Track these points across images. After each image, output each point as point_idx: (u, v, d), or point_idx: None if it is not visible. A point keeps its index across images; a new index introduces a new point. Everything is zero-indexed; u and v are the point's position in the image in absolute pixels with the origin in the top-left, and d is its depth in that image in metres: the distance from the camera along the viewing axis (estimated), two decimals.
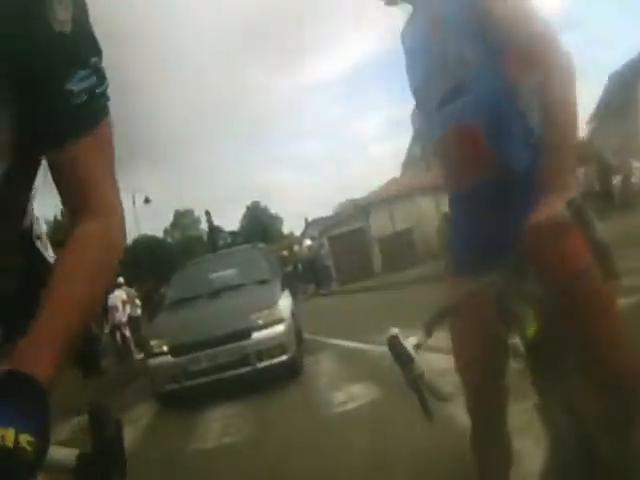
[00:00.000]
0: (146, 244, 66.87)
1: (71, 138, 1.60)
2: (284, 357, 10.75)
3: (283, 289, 12.49)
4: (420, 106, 3.01)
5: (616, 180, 19.25)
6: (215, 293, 12.54)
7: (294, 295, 16.15)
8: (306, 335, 15.59)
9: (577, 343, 2.66)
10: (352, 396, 8.82)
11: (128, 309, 23.78)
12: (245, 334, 10.70)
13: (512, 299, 2.56)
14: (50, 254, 2.05)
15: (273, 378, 10.69)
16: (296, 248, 69.33)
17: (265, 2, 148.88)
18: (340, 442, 6.79)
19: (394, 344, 2.43)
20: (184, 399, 10.72)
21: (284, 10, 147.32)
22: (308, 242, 65.55)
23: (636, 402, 2.69)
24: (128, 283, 25.84)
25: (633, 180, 19.12)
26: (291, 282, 16.73)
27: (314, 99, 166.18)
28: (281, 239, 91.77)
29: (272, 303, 11.26)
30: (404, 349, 2.41)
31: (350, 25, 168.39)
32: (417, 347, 2.44)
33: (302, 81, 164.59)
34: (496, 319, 2.62)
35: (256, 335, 10.71)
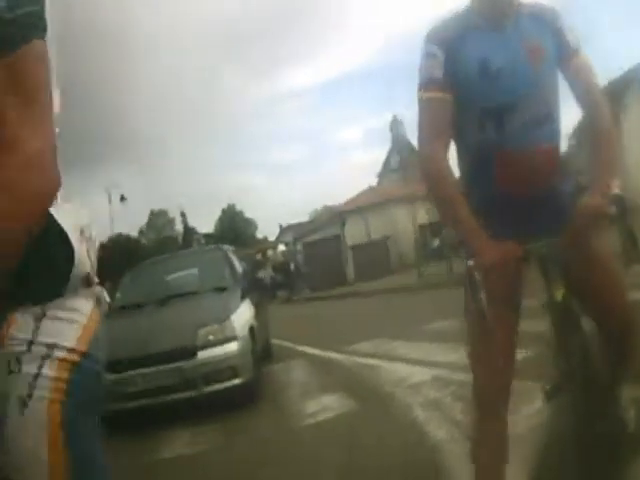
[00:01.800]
0: (121, 243, 66.16)
1: None
2: (236, 381, 9.10)
3: (243, 298, 10.80)
4: (498, 120, 3.17)
5: None
6: (164, 300, 10.86)
7: (264, 303, 15.36)
8: (277, 341, 15.67)
9: (592, 294, 3.27)
10: (325, 407, 8.41)
11: None
12: (189, 352, 9.04)
13: (551, 264, 3.15)
14: None
15: (223, 404, 9.16)
16: (270, 253, 69.11)
17: (247, 8, 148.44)
18: (311, 454, 6.61)
19: (471, 276, 2.94)
20: (123, 423, 9.01)
21: (266, 17, 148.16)
22: (282, 247, 65.36)
23: (630, 342, 3.30)
24: (101, 282, 24.62)
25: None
26: (258, 289, 15.31)
27: (293, 105, 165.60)
28: (255, 243, 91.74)
29: (224, 317, 9.51)
30: (477, 281, 2.92)
31: (332, 36, 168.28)
32: (481, 280, 2.93)
33: (283, 87, 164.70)
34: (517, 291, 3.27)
35: (202, 354, 9.06)
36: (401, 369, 9.58)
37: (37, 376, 1.87)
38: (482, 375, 3.29)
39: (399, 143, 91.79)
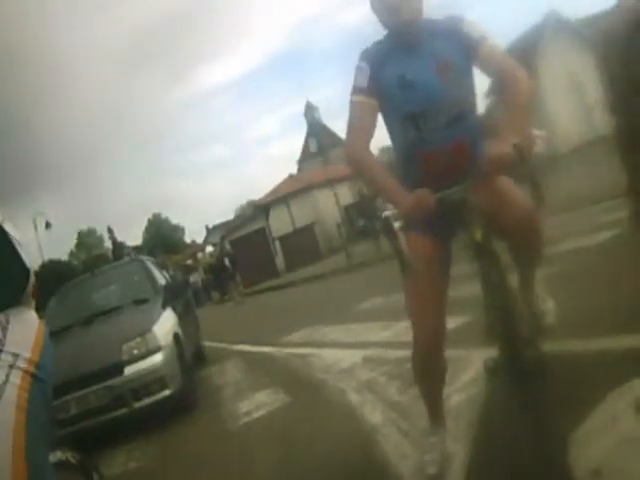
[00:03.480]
0: (52, 268, 65.17)
1: None
2: (167, 392, 8.91)
3: (165, 307, 10.60)
4: (416, 124, 3.88)
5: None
6: (89, 320, 10.63)
7: (192, 307, 15.45)
8: (212, 344, 16.04)
9: (502, 219, 3.95)
10: (258, 404, 8.33)
11: None
12: (116, 370, 8.82)
13: (466, 206, 3.70)
14: None
15: (158, 417, 9.02)
16: (200, 256, 68.93)
17: (152, 15, 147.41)
18: (248, 454, 6.58)
19: (386, 224, 3.57)
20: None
21: (170, 22, 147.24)
22: (210, 249, 65.02)
23: (537, 254, 4.28)
24: (37, 311, 24.20)
25: (536, 149, 18.48)
26: (185, 294, 15.13)
27: (205, 106, 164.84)
28: (184, 248, 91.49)
29: (146, 329, 9.26)
30: (393, 228, 3.55)
31: (236, 32, 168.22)
32: (400, 229, 3.58)
33: (193, 89, 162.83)
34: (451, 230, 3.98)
35: (129, 370, 8.83)
36: (332, 354, 9.52)
37: (6, 382, 2.00)
38: (417, 323, 4.06)
39: (315, 128, 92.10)
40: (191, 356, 11.67)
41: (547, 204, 3.87)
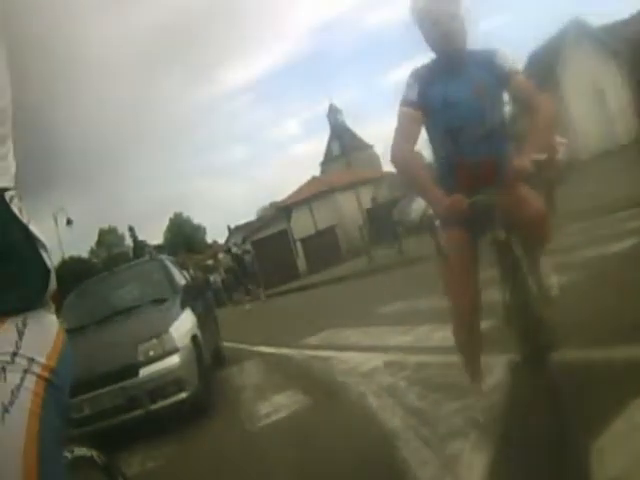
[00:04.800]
0: (72, 265, 65.38)
1: None
2: (183, 394, 8.70)
3: (183, 307, 10.44)
4: (455, 137, 4.53)
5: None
6: (106, 319, 10.49)
7: (212, 308, 15.29)
8: (232, 345, 16.21)
9: (520, 219, 4.53)
10: (278, 406, 8.21)
11: None
12: (131, 371, 8.62)
13: (493, 212, 4.37)
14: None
15: (177, 418, 8.82)
16: (221, 256, 69.01)
17: (173, 15, 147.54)
18: (267, 456, 6.56)
19: (429, 220, 4.85)
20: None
21: (192, 22, 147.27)
22: (233, 249, 65.05)
23: (544, 244, 4.77)
24: (56, 310, 24.22)
25: (559, 156, 18.39)
26: (205, 294, 15.00)
27: (228, 107, 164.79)
28: (206, 248, 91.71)
29: (162, 330, 9.09)
30: (434, 224, 4.32)
31: (259, 33, 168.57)
32: (439, 225, 4.51)
33: (215, 90, 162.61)
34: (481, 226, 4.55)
35: (144, 371, 8.62)
36: (353, 358, 9.39)
37: (19, 387, 1.97)
38: (455, 295, 4.68)
39: (338, 130, 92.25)
40: (210, 357, 11.52)
41: (556, 208, 4.50)
